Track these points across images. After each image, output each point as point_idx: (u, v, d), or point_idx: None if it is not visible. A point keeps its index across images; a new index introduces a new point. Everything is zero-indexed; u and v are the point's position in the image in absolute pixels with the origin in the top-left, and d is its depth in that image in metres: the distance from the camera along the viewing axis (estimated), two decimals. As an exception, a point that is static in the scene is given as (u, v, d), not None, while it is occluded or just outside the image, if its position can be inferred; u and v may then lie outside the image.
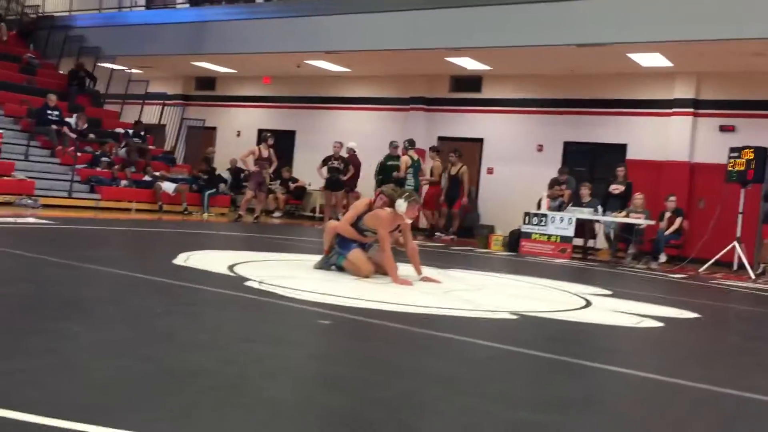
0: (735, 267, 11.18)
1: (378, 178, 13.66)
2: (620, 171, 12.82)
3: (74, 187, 13.26)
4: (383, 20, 13.94)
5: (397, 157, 13.77)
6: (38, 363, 2.71)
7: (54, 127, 14.35)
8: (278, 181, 16.76)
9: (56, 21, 19.28)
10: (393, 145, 13.92)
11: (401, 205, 6.35)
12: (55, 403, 2.26)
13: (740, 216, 11.16)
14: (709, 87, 13.66)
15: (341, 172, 14.27)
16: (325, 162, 14.45)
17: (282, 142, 18.00)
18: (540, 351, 3.87)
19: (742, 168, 11.16)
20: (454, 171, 14.15)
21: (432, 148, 14.89)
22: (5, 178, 12.41)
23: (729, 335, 5.56)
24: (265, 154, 13.92)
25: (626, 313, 5.65)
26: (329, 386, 2.86)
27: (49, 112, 14.48)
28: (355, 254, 6.37)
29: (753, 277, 10.43)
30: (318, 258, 6.77)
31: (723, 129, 13.46)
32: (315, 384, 2.91)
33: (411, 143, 13.57)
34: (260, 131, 16.00)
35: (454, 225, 14.32)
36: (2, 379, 2.48)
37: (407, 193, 6.55)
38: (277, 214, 16.25)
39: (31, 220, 9.51)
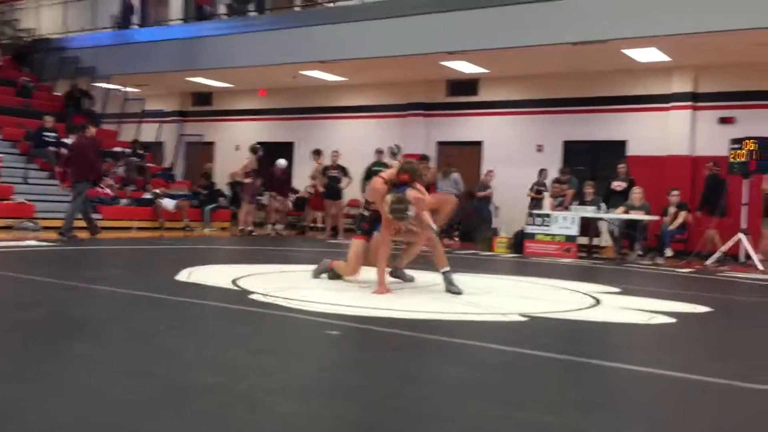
0: (742, 258, 11.10)
1: (364, 182, 13.52)
2: (621, 168, 12.76)
3: (74, 208, 13.19)
4: (376, 28, 13.90)
5: (383, 163, 13.59)
6: (47, 386, 2.66)
7: (51, 149, 14.32)
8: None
9: (51, 43, 19.28)
10: (378, 151, 13.83)
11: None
12: (64, 426, 2.20)
13: (744, 207, 11.08)
14: (708, 79, 13.61)
15: (339, 180, 14.25)
16: (324, 171, 14.43)
17: (281, 154, 17.94)
18: (553, 352, 3.80)
19: (744, 159, 11.08)
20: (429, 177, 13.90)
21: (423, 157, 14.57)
22: (4, 201, 12.36)
23: (743, 328, 5.48)
24: (255, 166, 14.01)
25: (637, 309, 5.57)
26: (341, 397, 2.79)
27: (46, 134, 14.45)
28: (355, 245, 6.33)
29: (760, 268, 10.34)
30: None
31: (723, 121, 13.40)
32: (327, 396, 2.84)
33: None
34: (259, 144, 15.96)
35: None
36: (13, 403, 2.43)
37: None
38: (278, 226, 15.98)
39: (33, 243, 9.45)
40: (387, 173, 6.20)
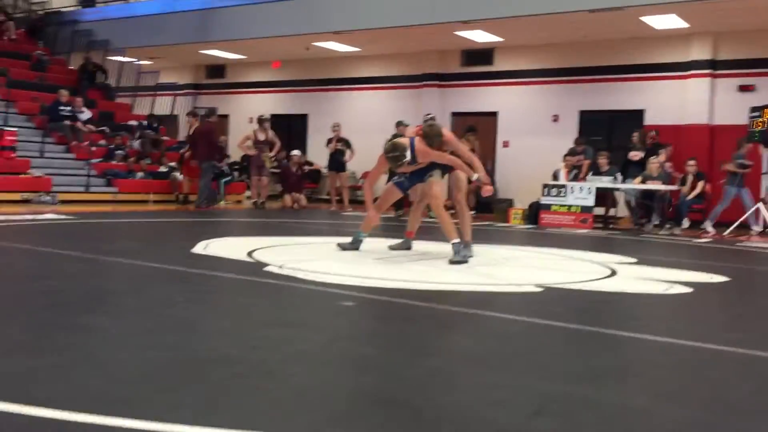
0: (760, 228, 10.99)
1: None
2: (635, 137, 12.61)
3: (91, 181, 13.28)
4: (390, -3, 13.75)
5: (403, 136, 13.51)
6: (64, 358, 2.68)
7: (67, 122, 14.36)
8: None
9: (64, 16, 19.24)
10: (402, 124, 13.75)
11: None
12: (80, 398, 2.22)
13: (764, 176, 10.95)
14: (727, 46, 13.36)
15: (344, 153, 14.24)
16: (327, 144, 14.47)
17: (295, 127, 17.93)
18: (568, 322, 3.79)
19: (764, 127, 10.92)
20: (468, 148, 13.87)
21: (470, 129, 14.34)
22: (22, 175, 12.45)
23: (761, 298, 5.44)
24: (261, 137, 13.89)
25: (653, 280, 5.54)
26: (356, 368, 2.81)
27: (61, 107, 14.48)
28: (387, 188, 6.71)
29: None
30: (342, 239, 6.77)
31: (742, 89, 13.18)
32: (341, 366, 2.86)
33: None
34: (273, 116, 15.92)
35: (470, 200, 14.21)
36: (29, 375, 2.45)
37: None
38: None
39: (50, 216, 9.53)
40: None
